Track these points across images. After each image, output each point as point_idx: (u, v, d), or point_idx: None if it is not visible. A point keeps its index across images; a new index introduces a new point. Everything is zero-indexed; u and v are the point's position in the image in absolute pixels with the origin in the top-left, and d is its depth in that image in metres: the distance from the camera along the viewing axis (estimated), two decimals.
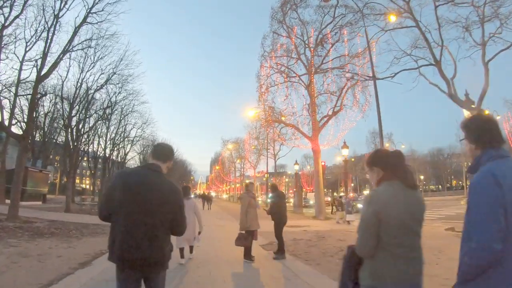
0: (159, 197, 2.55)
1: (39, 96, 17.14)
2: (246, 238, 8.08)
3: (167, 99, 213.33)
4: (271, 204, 9.43)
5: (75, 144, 22.10)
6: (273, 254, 8.73)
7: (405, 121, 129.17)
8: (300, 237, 12.59)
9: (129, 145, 38.12)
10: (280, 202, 9.18)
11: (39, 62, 17.00)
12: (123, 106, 29.76)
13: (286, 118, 24.98)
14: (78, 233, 11.49)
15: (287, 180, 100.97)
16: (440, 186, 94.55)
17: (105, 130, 30.62)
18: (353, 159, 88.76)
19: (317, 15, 23.86)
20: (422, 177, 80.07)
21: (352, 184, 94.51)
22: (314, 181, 23.82)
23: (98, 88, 22.29)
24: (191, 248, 8.17)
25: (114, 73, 22.59)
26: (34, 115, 37.42)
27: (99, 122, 29.35)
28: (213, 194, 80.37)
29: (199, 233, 8.00)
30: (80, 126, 23.27)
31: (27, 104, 36.45)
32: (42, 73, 16.63)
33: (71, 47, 18.05)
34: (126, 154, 38.37)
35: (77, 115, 22.30)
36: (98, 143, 32.46)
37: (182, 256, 7.52)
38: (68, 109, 22.07)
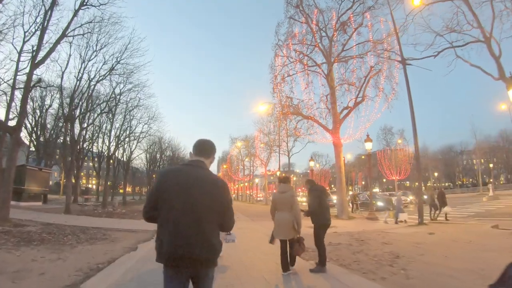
0: (205, 192, 2.48)
1: (33, 83, 15.30)
2: (303, 244, 6.38)
3: (170, 97, 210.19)
4: (308, 202, 7.24)
5: (76, 139, 20.22)
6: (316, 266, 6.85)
7: (416, 117, 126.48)
8: (337, 241, 10.67)
9: (135, 142, 35.97)
10: (320, 199, 7.03)
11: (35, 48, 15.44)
12: (127, 100, 27.71)
13: (303, 110, 23.05)
14: (74, 239, 9.62)
15: (295, 178, 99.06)
16: (451, 184, 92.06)
17: (109, 126, 28.40)
18: (363, 157, 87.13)
19: (334, 1, 22.10)
20: (436, 174, 78.02)
21: (363, 182, 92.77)
22: (336, 178, 21.77)
23: (100, 78, 20.40)
24: None
25: (118, 62, 20.74)
26: (39, 114, 36.34)
27: (102, 116, 27.59)
28: None
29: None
30: (82, 120, 21.38)
31: (29, 99, 35.45)
32: (38, 59, 15.03)
33: (69, 31, 16.32)
34: (131, 152, 36.37)
35: (78, 108, 20.42)
36: (103, 141, 30.53)
37: None
38: (68, 102, 20.23)
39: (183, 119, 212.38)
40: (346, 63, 22.54)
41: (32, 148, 37.64)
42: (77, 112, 20.37)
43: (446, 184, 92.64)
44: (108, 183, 35.21)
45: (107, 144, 28.96)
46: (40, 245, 8.55)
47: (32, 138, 36.92)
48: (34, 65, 15.09)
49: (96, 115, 24.45)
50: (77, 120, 21.11)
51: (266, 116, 41.00)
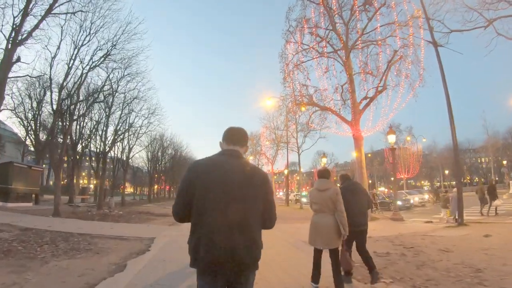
0: (247, 185, 2.18)
1: (14, 61, 13.29)
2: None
3: (169, 88, 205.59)
4: None
5: (65, 132, 18.00)
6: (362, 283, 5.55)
7: (424, 112, 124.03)
8: (381, 249, 8.60)
9: (134, 138, 33.41)
10: (351, 197, 5.54)
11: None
12: (125, 91, 25.15)
13: (318, 100, 20.92)
14: (50, 251, 7.46)
15: (298, 178, 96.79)
16: (455, 182, 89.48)
17: (106, 121, 25.86)
18: (369, 155, 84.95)
19: None
20: (447, 171, 75.72)
21: (370, 181, 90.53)
22: (357, 174, 19.58)
23: (93, 65, 18.10)
24: None
25: (114, 47, 18.48)
26: (37, 112, 34.41)
27: (100, 110, 25.47)
28: None
29: None
30: (72, 111, 19.14)
31: (27, 97, 33.52)
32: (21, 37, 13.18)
33: (57, 5, 14.34)
34: (130, 149, 33.94)
35: (68, 98, 18.22)
36: (101, 138, 28.06)
37: None
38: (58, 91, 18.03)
39: (183, 111, 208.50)
40: (367, 48, 20.33)
41: (32, 148, 35.92)
42: (68, 102, 18.16)
43: (452, 182, 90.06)
44: (110, 182, 33.20)
45: (103, 138, 26.38)
46: (3, 259, 6.47)
47: (30, 136, 35.20)
48: (16, 43, 13.23)
49: (88, 104, 21.89)
50: (69, 112, 18.89)
51: (274, 110, 38.95)
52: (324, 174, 5.34)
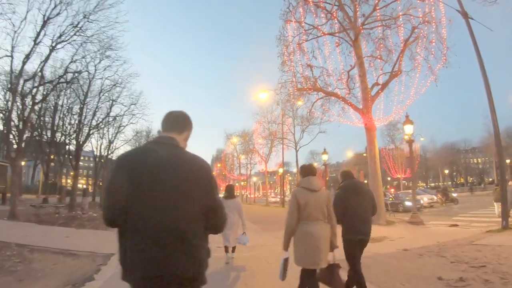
0: (182, 179, 1.72)
1: None
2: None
3: (171, 91, 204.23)
4: (334, 200, 4.54)
5: (25, 118, 15.29)
6: None
7: (427, 108, 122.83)
8: (447, 273, 6.00)
9: (115, 131, 30.15)
10: (352, 198, 4.52)
11: None
12: (103, 78, 22.19)
13: (324, 86, 18.47)
14: None
15: (290, 178, 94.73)
16: (450, 183, 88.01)
17: (79, 108, 22.64)
18: (364, 154, 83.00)
19: None
20: (446, 171, 74.08)
21: (366, 181, 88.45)
22: (370, 170, 17.05)
23: (59, 40, 15.37)
24: (234, 248, 7.28)
25: (87, 19, 15.67)
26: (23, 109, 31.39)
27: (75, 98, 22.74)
28: None
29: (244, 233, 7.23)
30: (35, 93, 16.41)
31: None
32: None
33: None
34: (111, 142, 30.55)
35: (33, 78, 15.53)
36: (73, 128, 25.01)
37: (227, 251, 7.17)
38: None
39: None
40: (381, 28, 17.85)
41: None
42: (31, 84, 15.46)
43: (449, 183, 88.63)
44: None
45: (76, 129, 23.15)
46: None
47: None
48: None
49: (53, 84, 18.83)
50: (31, 95, 16.17)
51: (268, 103, 36.69)
52: (312, 170, 4.26)
